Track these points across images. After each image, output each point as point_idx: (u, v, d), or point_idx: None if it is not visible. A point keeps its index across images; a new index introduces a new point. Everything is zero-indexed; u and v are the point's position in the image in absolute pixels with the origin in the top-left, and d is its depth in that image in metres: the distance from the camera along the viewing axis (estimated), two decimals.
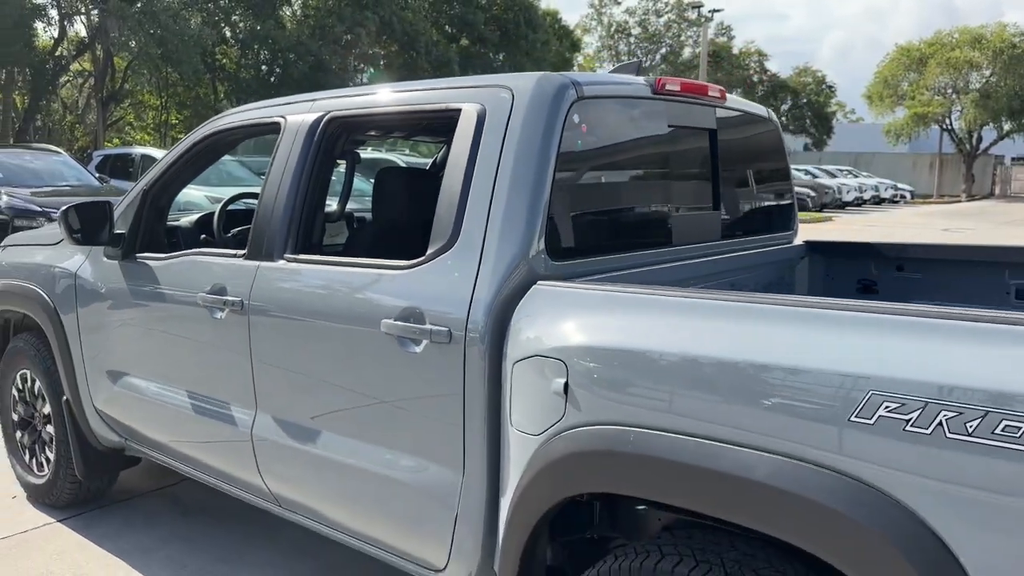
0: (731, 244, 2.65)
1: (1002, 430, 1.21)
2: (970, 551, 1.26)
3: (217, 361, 2.65)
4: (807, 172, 33.53)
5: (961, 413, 1.24)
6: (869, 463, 1.34)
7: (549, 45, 35.55)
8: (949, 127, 46.59)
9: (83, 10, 23.81)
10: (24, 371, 3.66)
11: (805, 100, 53.86)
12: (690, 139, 2.54)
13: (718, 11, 34.67)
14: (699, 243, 2.50)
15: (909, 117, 44.80)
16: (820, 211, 28.63)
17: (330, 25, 25.94)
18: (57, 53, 24.74)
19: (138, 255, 3.00)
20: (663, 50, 50.14)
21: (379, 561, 2.37)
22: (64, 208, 2.98)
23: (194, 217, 3.65)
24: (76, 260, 3.27)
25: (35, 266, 3.51)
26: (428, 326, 2.00)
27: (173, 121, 30.66)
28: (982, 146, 47.12)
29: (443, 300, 2.00)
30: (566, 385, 1.73)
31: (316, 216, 2.53)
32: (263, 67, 26.02)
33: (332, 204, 3.16)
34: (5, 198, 9.71)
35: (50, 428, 3.54)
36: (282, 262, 2.44)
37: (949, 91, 45.02)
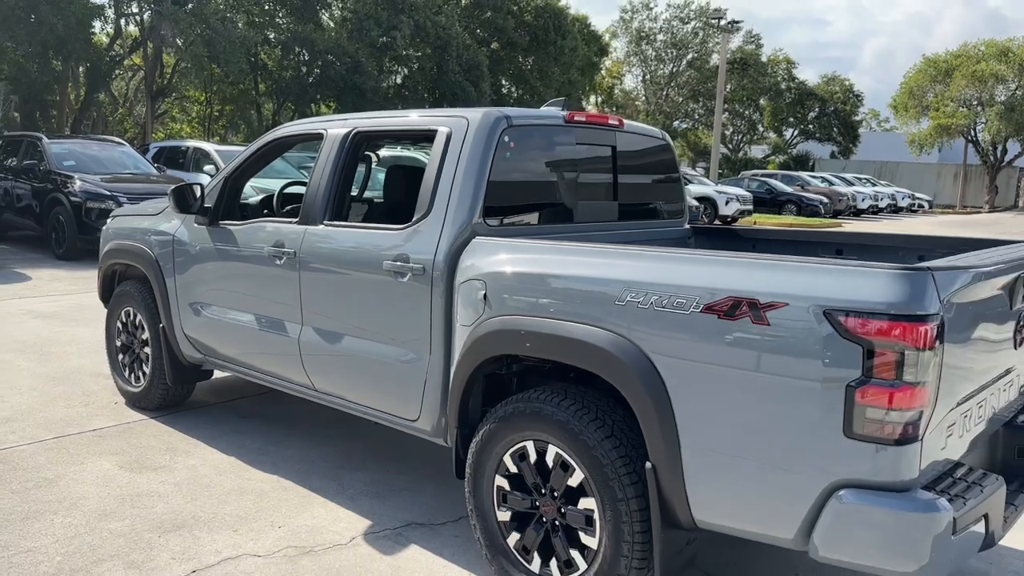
0: (625, 224, 3.86)
1: (674, 304, 2.42)
2: (662, 364, 2.46)
3: (276, 293, 3.91)
4: (824, 179, 34.30)
5: (658, 296, 2.46)
6: (623, 325, 2.55)
7: (577, 51, 36.67)
8: (974, 139, 46.94)
9: (138, 10, 25.47)
10: (128, 308, 4.97)
11: (832, 108, 54.34)
12: (595, 151, 3.76)
13: (737, 23, 35.43)
14: (598, 222, 3.71)
15: (932, 128, 45.25)
16: (833, 217, 29.44)
17: (367, 29, 27.35)
18: (112, 51, 26.41)
19: (221, 222, 4.28)
20: (689, 56, 50.94)
21: (376, 444, 3.62)
22: (173, 188, 4.28)
23: (259, 197, 4.95)
24: (174, 225, 4.56)
25: (141, 230, 4.82)
26: (411, 265, 3.24)
27: (215, 115, 32.32)
28: (1007, 158, 47.38)
29: (421, 249, 3.23)
30: (485, 295, 2.96)
31: (345, 196, 3.80)
32: (303, 68, 27.47)
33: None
34: (79, 183, 11.15)
35: (147, 349, 4.85)
36: (322, 226, 3.69)
37: (974, 103, 45.39)
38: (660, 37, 50.91)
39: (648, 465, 2.52)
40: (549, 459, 2.82)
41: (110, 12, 25.17)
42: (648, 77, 52.21)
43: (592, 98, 49.98)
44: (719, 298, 2.35)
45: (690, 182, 25.52)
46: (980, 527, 2.27)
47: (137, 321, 4.91)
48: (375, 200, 4.76)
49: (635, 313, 2.52)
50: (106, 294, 5.27)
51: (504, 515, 2.97)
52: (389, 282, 3.33)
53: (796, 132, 56.11)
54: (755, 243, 4.14)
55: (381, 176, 4.76)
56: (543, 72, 36.28)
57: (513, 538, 2.95)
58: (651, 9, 51.11)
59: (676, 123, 53.19)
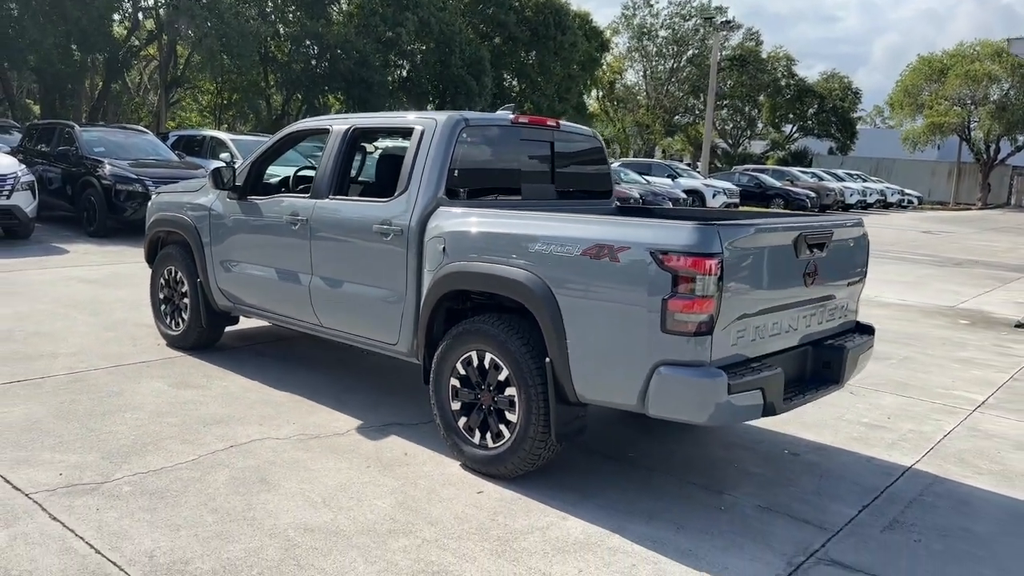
0: (561, 203, 5.01)
1: (564, 250, 3.59)
2: (557, 291, 3.62)
3: (291, 251, 5.08)
4: (814, 175, 35.33)
5: (554, 244, 3.62)
6: (533, 266, 3.72)
7: (577, 46, 37.70)
8: (967, 137, 47.86)
9: (154, 4, 26.64)
10: (170, 267, 6.16)
11: (831, 105, 55.27)
12: (537, 146, 4.93)
13: (730, 22, 36.40)
14: (538, 199, 4.88)
15: (926, 126, 46.22)
16: (820, 211, 30.52)
17: (373, 24, 28.48)
18: (129, 42, 27.59)
19: (249, 197, 5.45)
20: (690, 52, 51.89)
21: (372, 376, 4.81)
22: (213, 168, 5.46)
23: (277, 179, 6.15)
24: (210, 199, 5.73)
25: (182, 203, 6.00)
26: (393, 227, 4.41)
27: (224, 104, 33.46)
28: (999, 157, 48.31)
29: (400, 215, 4.40)
30: (444, 248, 4.13)
31: (345, 177, 4.98)
32: (312, 61, 28.61)
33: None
34: (109, 167, 12.34)
35: (186, 300, 6.03)
36: (327, 200, 4.87)
37: (968, 102, 46.32)
38: (661, 33, 51.93)
39: (547, 360, 3.69)
40: (486, 363, 3.99)
41: (127, 5, 26.37)
42: (649, 72, 53.19)
43: (593, 92, 50.99)
44: (590, 245, 3.53)
45: (680, 176, 26.64)
46: (757, 397, 3.44)
47: (178, 277, 6.09)
48: (369, 180, 5.93)
49: (540, 257, 3.70)
50: (151, 256, 6.45)
51: (456, 405, 4.15)
52: (376, 240, 4.50)
53: (795, 128, 57.06)
54: (652, 215, 5.30)
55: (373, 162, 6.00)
56: (544, 66, 37.34)
57: (462, 421, 4.13)
58: (652, 6, 52.13)
59: (677, 118, 54.24)
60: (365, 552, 3.24)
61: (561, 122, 5.04)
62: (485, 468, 4.02)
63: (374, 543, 3.32)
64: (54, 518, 3.36)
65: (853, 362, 4.15)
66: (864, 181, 37.69)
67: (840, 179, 35.80)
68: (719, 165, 48.40)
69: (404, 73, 32.27)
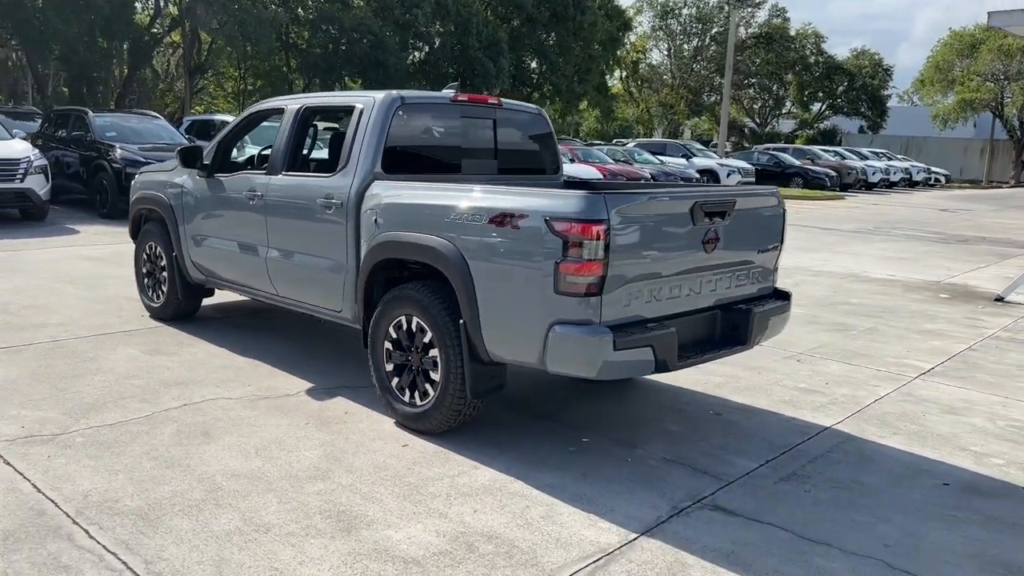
0: (504, 178, 5.26)
1: (473, 219, 3.85)
2: (469, 257, 3.88)
3: (250, 225, 5.39)
4: (836, 153, 34.96)
5: (466, 214, 3.88)
6: (449, 234, 3.98)
7: (597, 25, 37.57)
8: (1000, 114, 46.87)
9: None
10: (151, 242, 6.52)
11: (861, 83, 54.44)
12: (479, 123, 5.17)
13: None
14: (481, 175, 5.12)
15: (957, 102, 45.38)
16: (841, 190, 30.25)
17: (390, 6, 28.72)
18: (153, 29, 28.19)
19: (216, 175, 5.77)
20: (714, 30, 51.37)
21: (331, 347, 5.12)
22: (179, 148, 5.79)
23: (245, 157, 6.47)
24: (183, 178, 6.07)
25: (160, 183, 6.35)
26: (334, 200, 4.69)
27: (249, 89, 34.06)
28: None
29: (340, 190, 4.68)
30: (376, 220, 4.41)
31: (297, 153, 5.27)
32: (330, 45, 28.96)
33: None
34: (119, 151, 12.82)
35: (165, 273, 6.40)
36: (280, 176, 5.17)
37: (1000, 77, 45.35)
38: (684, 11, 51.47)
39: (461, 322, 3.96)
40: (413, 327, 4.27)
41: None
42: (673, 51, 52.78)
43: (616, 72, 50.76)
44: (495, 214, 3.78)
45: (694, 155, 26.62)
46: (647, 354, 3.67)
47: (157, 252, 6.46)
48: (321, 157, 6.24)
49: (454, 226, 3.96)
50: (135, 233, 6.83)
51: (389, 367, 4.44)
52: (321, 212, 4.80)
53: (824, 107, 56.30)
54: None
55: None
56: (563, 47, 37.30)
57: (395, 381, 4.42)
58: None
59: (703, 97, 53.82)
60: (281, 494, 3.55)
61: (504, 100, 5.28)
62: (414, 425, 4.31)
63: (292, 487, 3.63)
64: (7, 463, 3.73)
65: (762, 325, 4.36)
66: (889, 160, 37.18)
67: (864, 157, 35.37)
68: (746, 145, 47.95)
69: (422, 56, 32.50)
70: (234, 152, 6.10)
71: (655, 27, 52.66)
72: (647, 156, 25.16)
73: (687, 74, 51.89)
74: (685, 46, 52.60)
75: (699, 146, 29.98)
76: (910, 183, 36.74)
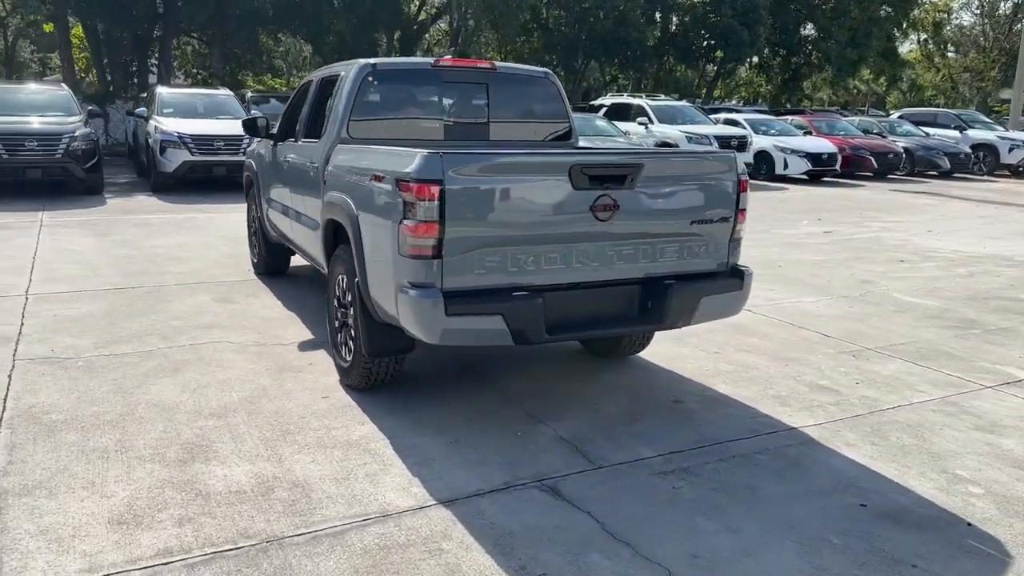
0: (497, 145, 5.15)
1: (361, 177, 3.91)
2: (359, 213, 3.96)
3: (286, 188, 5.89)
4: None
5: (358, 174, 3.96)
6: (349, 192, 4.09)
7: None
8: None
9: None
10: (250, 204, 7.35)
11: None
12: (467, 89, 5.13)
13: None
14: (468, 141, 5.10)
15: None
16: (990, 175, 23.06)
17: None
18: (420, 18, 30.66)
19: (279, 143, 6.36)
20: None
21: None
22: (243, 119, 6.48)
23: None
24: (265, 148, 6.77)
25: (255, 152, 7.14)
26: (313, 164, 4.99)
27: None
28: None
29: (317, 154, 4.97)
30: (325, 181, 4.63)
31: (313, 121, 5.61)
32: (576, 24, 29.36)
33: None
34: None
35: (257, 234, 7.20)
36: (300, 142, 5.58)
37: None
38: None
39: (355, 281, 4.07)
40: (345, 285, 4.45)
41: None
42: (986, 9, 45.84)
43: (913, 36, 45.32)
44: (373, 173, 3.82)
45: (971, 127, 23.16)
46: (497, 322, 3.50)
47: (254, 213, 7.27)
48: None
49: (351, 184, 4.07)
50: (247, 195, 7.73)
51: (336, 324, 4.66)
52: (308, 176, 5.13)
53: None
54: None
55: None
56: (839, 10, 34.14)
57: (338, 337, 4.63)
58: None
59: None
60: (171, 425, 3.95)
61: (498, 64, 5.18)
62: (344, 380, 4.51)
63: (186, 419, 4.02)
64: (8, 375, 4.56)
65: (686, 304, 3.91)
66: None
67: None
68: None
69: (672, 28, 31.69)
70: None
71: None
72: (908, 128, 22.34)
73: (1002, 35, 44.81)
74: (1002, 4, 45.40)
75: (983, 118, 25.79)
76: None
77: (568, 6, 29.55)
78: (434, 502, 3.26)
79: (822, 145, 18.99)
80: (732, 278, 4.12)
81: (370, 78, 4.85)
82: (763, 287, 7.26)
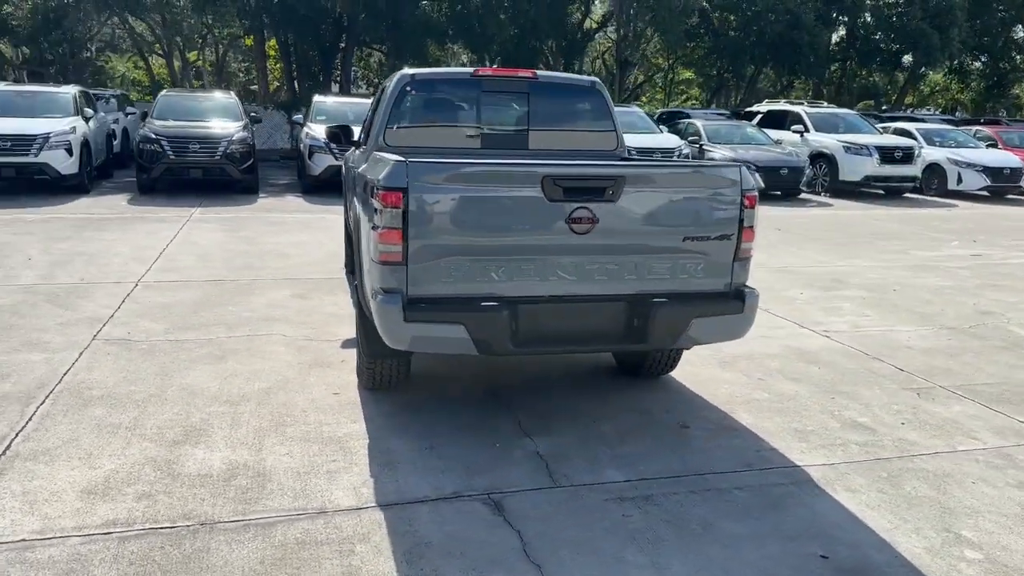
0: (536, 154, 5.11)
1: (363, 187, 4.05)
2: (360, 220, 4.10)
3: (353, 193, 6.18)
4: None
5: (365, 180, 4.09)
6: (358, 193, 4.23)
7: None
8: None
9: None
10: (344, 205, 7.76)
11: None
12: (507, 99, 5.13)
13: None
14: (506, 150, 5.10)
15: None
16: None
17: None
18: (585, 26, 30.77)
19: (357, 148, 6.68)
20: None
21: None
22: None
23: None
24: (355, 154, 7.12)
25: (348, 157, 7.53)
26: (358, 170, 5.21)
27: (678, 80, 35.04)
28: None
29: (361, 160, 5.17)
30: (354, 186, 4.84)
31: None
32: (744, 30, 28.28)
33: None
34: (142, 129, 14.57)
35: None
36: (359, 150, 5.84)
37: None
38: None
39: (355, 283, 4.20)
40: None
41: None
42: None
43: None
44: (365, 180, 3.95)
45: None
46: (458, 331, 3.50)
47: (345, 216, 7.67)
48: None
49: (358, 191, 4.22)
50: None
51: (357, 323, 4.83)
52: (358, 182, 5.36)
53: None
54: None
55: None
56: None
57: (359, 336, 4.81)
58: None
59: None
60: (187, 408, 4.27)
61: (544, 73, 5.15)
62: (359, 379, 4.67)
63: (202, 403, 4.33)
64: (81, 353, 5.10)
65: (673, 324, 3.70)
66: None
67: None
68: None
69: (857, 31, 29.71)
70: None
71: None
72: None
73: None
74: None
75: None
76: None
77: (735, 7, 28.52)
78: (373, 504, 3.32)
79: (1005, 159, 17.12)
80: (732, 300, 3.85)
81: (408, 88, 4.99)
82: (856, 312, 6.70)
